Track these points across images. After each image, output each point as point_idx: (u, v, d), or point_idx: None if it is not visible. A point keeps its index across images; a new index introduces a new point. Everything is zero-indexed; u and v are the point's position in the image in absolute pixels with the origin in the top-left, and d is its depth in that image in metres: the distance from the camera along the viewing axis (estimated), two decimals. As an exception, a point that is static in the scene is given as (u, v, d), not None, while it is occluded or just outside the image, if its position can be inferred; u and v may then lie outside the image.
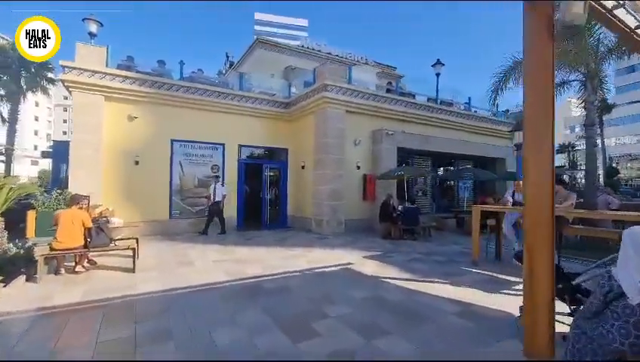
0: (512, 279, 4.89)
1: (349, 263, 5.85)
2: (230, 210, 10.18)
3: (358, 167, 10.26)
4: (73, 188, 7.58)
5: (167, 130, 9.36)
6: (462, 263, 5.97)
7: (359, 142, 10.22)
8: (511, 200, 5.89)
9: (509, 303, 3.79)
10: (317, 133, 9.86)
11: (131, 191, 8.81)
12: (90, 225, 5.00)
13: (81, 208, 5.20)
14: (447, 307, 3.79)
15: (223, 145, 10.19)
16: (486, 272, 5.32)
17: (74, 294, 4.07)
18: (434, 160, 12.50)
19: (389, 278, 4.93)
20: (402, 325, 3.30)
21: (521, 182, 6.20)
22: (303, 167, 10.63)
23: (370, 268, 5.58)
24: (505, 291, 4.41)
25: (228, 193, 9.43)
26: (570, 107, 49.23)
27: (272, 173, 11.41)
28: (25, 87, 20.51)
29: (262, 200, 11.11)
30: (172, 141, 9.47)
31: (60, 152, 13.17)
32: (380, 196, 10.07)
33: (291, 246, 7.44)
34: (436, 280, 4.88)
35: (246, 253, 6.69)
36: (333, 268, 5.53)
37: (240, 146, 10.50)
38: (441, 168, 13.67)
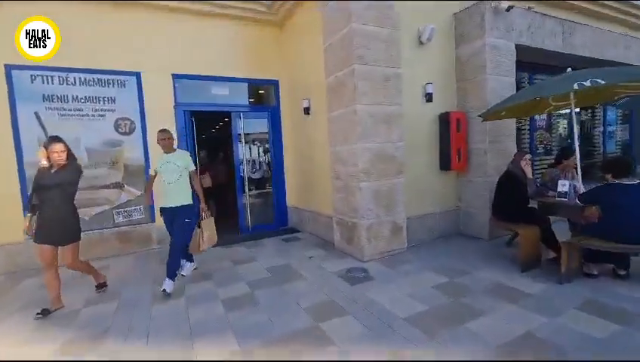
0: None
1: None
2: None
3: (429, 97, 4.60)
4: None
5: (-3, 45, 4.13)
6: None
7: (430, 38, 4.46)
8: None
9: None
10: (331, 27, 4.21)
11: None
12: None
13: None
14: None
15: (138, 75, 4.85)
16: None
17: None
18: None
19: None
20: None
21: None
22: (307, 111, 5.12)
23: None
24: None
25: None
26: None
27: (250, 131, 6.04)
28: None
29: (236, 183, 5.87)
30: (9, 69, 4.24)
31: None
32: (481, 161, 4.47)
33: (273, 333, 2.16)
34: None
35: None
36: None
37: (175, 77, 5.11)
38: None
